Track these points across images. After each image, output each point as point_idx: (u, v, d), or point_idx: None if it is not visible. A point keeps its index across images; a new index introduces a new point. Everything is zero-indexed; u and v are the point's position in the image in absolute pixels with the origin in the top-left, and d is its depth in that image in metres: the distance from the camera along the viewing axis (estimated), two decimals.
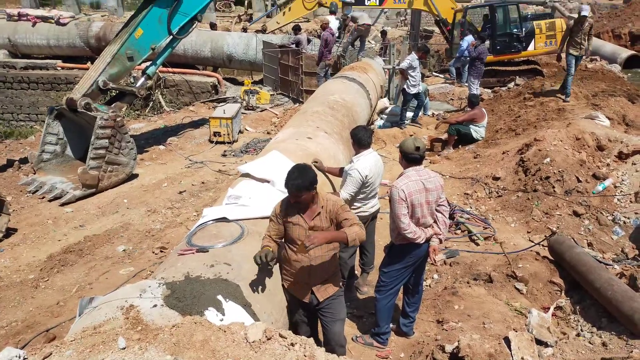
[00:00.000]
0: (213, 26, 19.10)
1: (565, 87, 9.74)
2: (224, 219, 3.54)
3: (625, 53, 18.51)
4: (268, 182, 4.14)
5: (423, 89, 11.27)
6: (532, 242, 5.58)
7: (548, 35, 13.80)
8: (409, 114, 10.44)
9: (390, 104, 11.48)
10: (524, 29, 13.76)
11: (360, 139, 4.27)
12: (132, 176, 8.04)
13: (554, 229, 5.61)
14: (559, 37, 13.74)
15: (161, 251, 5.65)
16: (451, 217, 6.31)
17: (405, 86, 9.73)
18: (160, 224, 6.39)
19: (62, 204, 7.08)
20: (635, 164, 6.63)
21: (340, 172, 4.48)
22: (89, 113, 7.43)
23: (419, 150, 3.67)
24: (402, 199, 3.57)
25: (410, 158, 3.70)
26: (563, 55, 9.85)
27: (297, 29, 13.44)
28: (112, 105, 8.08)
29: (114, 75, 7.94)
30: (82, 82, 7.83)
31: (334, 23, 12.06)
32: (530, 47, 13.90)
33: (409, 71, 9.55)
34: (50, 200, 7.17)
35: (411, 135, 9.06)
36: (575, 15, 10.13)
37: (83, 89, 7.63)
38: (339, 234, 3.04)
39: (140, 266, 5.36)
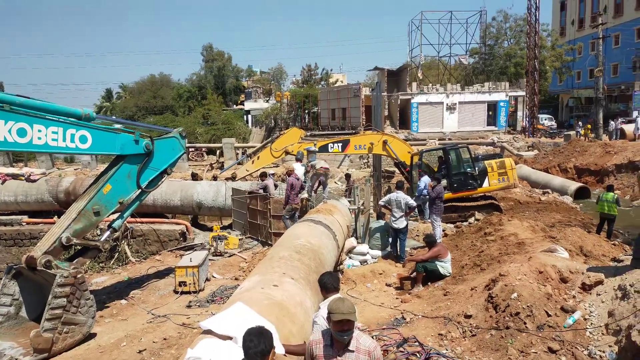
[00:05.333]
0: (194, 176, 19.83)
1: None
2: None
3: (574, 185, 19.97)
4: (231, 339, 3.95)
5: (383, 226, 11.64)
6: None
7: (500, 173, 14.87)
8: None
9: (358, 242, 11.65)
10: (476, 168, 14.85)
11: (325, 284, 4.30)
12: (90, 336, 7.54)
13: None
14: (510, 174, 14.84)
15: None
16: None
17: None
18: None
19: None
20: (599, 294, 6.72)
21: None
22: (49, 271, 7.20)
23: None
24: None
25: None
26: None
27: (263, 175, 14.06)
28: (74, 262, 7.89)
29: (79, 231, 7.88)
30: (45, 239, 7.71)
31: (299, 169, 12.72)
32: (485, 184, 14.86)
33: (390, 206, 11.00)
34: None
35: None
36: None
37: (45, 246, 7.49)
38: None
39: None
